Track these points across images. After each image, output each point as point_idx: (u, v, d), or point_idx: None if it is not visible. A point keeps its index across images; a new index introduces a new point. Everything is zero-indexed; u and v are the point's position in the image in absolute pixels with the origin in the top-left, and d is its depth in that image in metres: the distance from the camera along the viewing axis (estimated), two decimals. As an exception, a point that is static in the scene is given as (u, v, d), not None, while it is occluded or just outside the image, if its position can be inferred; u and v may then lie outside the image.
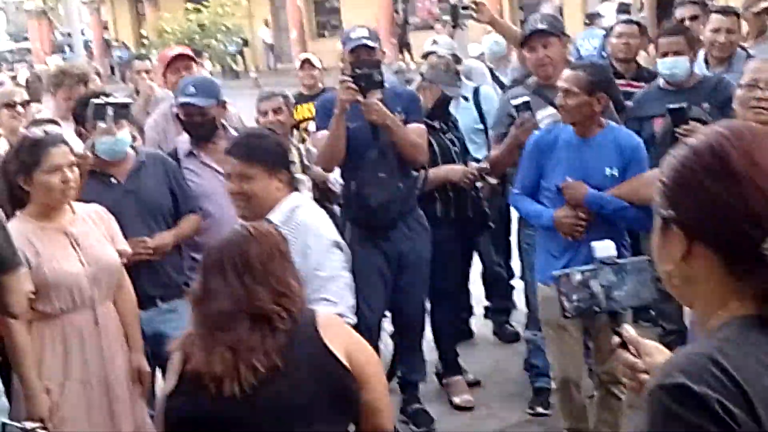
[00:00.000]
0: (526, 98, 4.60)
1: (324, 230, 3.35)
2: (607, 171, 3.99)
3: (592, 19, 14.69)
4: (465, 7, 5.93)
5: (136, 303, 3.79)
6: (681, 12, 5.92)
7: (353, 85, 4.35)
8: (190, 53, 5.98)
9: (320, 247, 3.26)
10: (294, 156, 5.12)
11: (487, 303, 6.21)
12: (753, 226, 1.29)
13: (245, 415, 2.40)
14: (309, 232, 3.26)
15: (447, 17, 6.15)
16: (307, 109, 6.79)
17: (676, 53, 4.92)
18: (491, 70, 6.95)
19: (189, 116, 4.54)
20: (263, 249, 2.53)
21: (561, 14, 24.46)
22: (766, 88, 3.42)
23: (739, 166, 1.32)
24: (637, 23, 6.05)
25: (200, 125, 4.53)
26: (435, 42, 6.02)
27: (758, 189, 1.30)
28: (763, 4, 6.52)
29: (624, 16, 11.31)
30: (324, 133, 4.56)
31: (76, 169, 3.56)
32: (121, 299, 3.71)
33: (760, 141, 1.35)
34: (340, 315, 3.03)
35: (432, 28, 26.70)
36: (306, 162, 5.12)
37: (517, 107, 4.60)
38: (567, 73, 4.11)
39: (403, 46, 26.57)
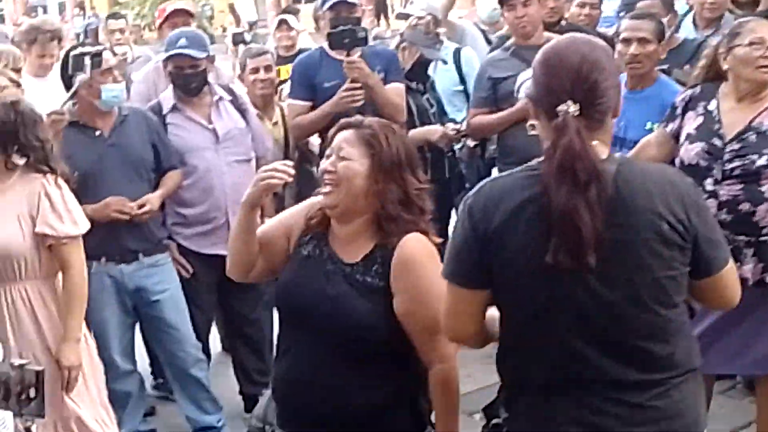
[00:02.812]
0: None
1: None
2: (648, 125, 4.00)
3: None
4: None
5: (81, 289, 3.43)
6: None
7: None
8: (189, 8, 5.90)
9: None
10: (277, 115, 5.13)
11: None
12: (552, 96, 2.05)
13: None
14: None
15: None
16: (286, 71, 6.74)
17: None
18: (484, 33, 6.89)
19: (180, 68, 4.39)
20: None
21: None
22: None
23: (546, 61, 2.11)
24: None
25: (191, 77, 4.39)
26: (411, 2, 5.99)
27: (549, 76, 2.08)
28: None
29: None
30: (301, 103, 4.61)
31: None
32: (62, 284, 3.43)
33: (560, 48, 2.11)
34: None
35: (408, -7, 26.62)
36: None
37: None
38: (630, 22, 4.20)
39: (381, 11, 26.35)
